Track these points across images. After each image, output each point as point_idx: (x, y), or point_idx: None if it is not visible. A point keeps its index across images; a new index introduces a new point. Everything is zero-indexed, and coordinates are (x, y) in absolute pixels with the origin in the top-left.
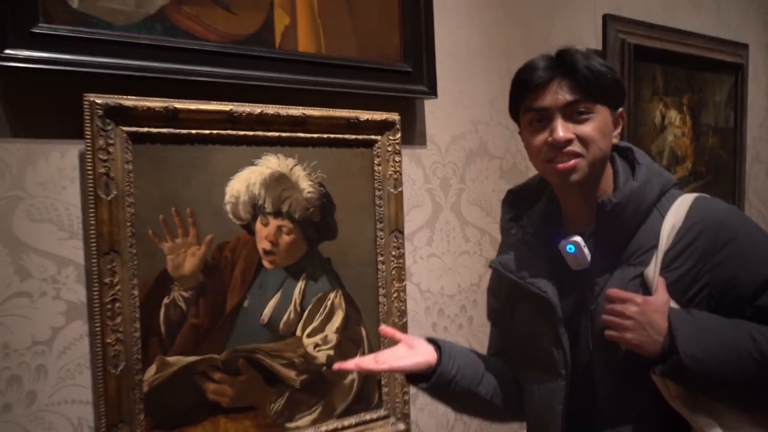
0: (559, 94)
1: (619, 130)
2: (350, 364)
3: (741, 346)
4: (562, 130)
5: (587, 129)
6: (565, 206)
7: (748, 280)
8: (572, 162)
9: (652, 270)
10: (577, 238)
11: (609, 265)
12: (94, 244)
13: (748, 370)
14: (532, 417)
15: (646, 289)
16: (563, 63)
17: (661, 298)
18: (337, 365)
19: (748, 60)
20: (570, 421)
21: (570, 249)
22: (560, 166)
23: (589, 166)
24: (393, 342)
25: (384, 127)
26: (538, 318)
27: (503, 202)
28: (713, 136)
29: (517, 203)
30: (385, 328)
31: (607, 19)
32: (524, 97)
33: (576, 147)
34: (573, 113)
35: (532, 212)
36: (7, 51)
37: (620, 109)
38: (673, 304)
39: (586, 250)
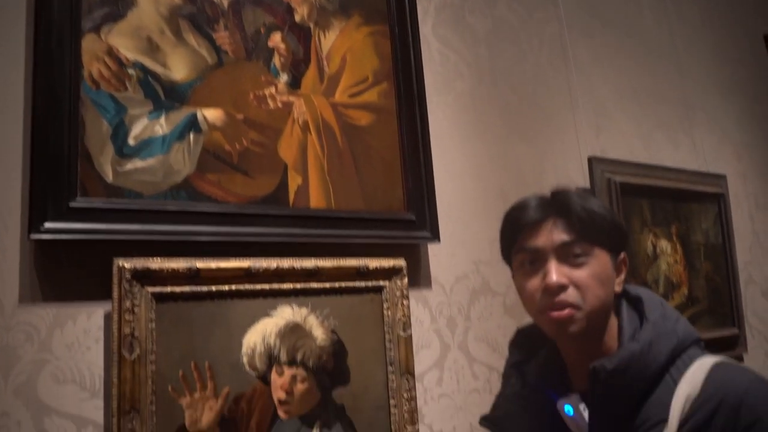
0: (554, 233)
1: (622, 276)
2: None
3: None
4: (555, 273)
5: (583, 275)
6: (567, 358)
7: None
8: (566, 311)
9: None
10: (575, 399)
11: None
12: (115, 404)
13: None
14: None
15: None
16: (557, 202)
17: None
18: None
19: (728, 189)
20: None
21: (568, 411)
22: (555, 314)
23: (587, 317)
24: None
25: (392, 273)
26: None
27: (511, 343)
28: (705, 261)
29: (527, 344)
30: None
31: (593, 161)
32: (516, 236)
33: (571, 296)
34: (568, 255)
35: (535, 359)
36: (47, 224)
37: (622, 254)
38: None
39: (585, 414)
